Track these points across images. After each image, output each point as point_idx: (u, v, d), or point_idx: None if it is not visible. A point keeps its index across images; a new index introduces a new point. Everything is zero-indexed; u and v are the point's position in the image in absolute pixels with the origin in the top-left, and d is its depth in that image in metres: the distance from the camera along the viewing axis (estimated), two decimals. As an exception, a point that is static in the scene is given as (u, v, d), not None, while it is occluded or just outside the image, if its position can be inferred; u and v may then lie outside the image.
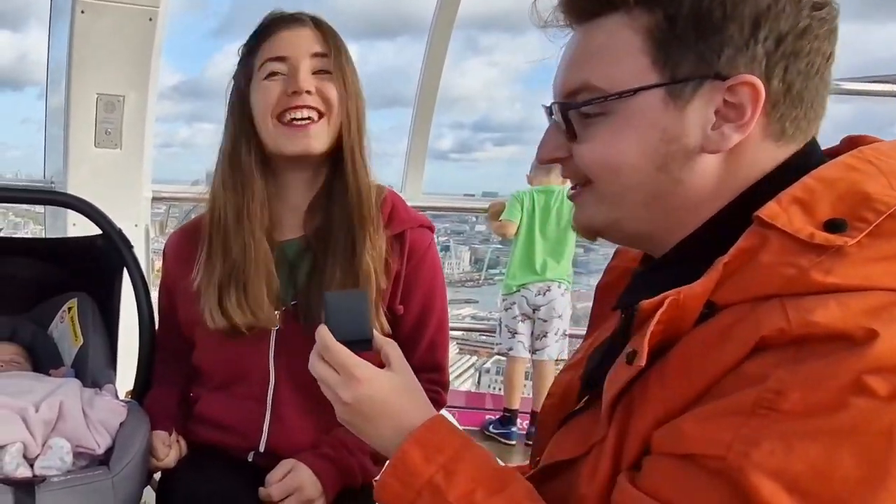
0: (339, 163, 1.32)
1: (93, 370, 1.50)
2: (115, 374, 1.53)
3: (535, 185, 3.89)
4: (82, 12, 2.73)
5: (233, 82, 1.35)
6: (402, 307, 1.36)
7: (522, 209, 3.85)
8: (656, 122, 0.70)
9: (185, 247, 1.41)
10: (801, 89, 0.69)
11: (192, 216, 1.53)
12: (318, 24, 1.31)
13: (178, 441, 1.37)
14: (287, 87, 1.27)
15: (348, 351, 0.85)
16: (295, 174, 1.35)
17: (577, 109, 0.73)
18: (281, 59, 1.27)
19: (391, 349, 0.89)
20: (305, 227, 1.36)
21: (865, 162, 0.67)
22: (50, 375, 1.48)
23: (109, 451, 1.26)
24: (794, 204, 0.65)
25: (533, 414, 3.97)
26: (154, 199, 3.30)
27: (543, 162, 0.80)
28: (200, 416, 1.42)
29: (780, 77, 0.68)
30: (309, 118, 1.27)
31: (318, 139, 1.29)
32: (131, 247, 1.53)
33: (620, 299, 0.83)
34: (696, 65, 0.68)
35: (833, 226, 0.63)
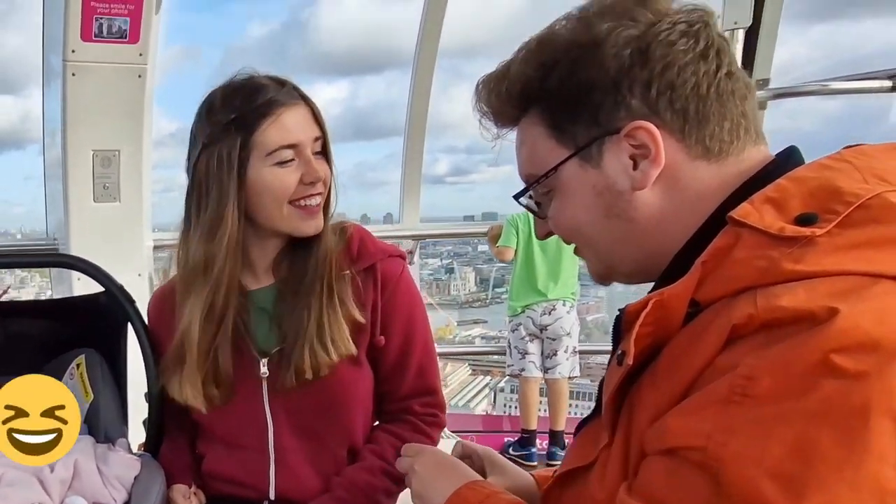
0: None
1: (105, 425, 1.50)
2: (128, 428, 1.54)
3: (531, 205, 3.94)
4: (73, 74, 2.78)
5: (208, 147, 1.28)
6: (382, 338, 1.38)
7: (518, 233, 3.90)
8: (584, 183, 0.81)
9: (163, 310, 1.44)
10: (699, 111, 0.76)
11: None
12: (308, 102, 1.31)
13: (195, 494, 1.38)
14: (303, 176, 1.28)
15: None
16: (271, 238, 1.37)
17: (534, 193, 0.88)
18: (292, 146, 1.27)
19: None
20: (275, 276, 1.39)
21: (842, 161, 0.70)
22: (63, 434, 1.50)
23: (126, 505, 1.26)
24: (767, 203, 0.69)
25: (552, 433, 3.97)
26: (156, 248, 3.33)
27: (542, 238, 0.93)
28: (208, 473, 1.43)
29: (669, 109, 0.76)
30: (319, 202, 1.32)
31: (322, 217, 1.34)
32: (133, 301, 1.54)
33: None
34: (587, 131, 0.79)
35: (804, 219, 0.66)
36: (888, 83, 2.04)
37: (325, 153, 1.33)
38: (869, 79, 2.11)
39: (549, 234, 0.90)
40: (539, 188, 0.86)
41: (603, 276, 0.88)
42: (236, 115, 1.26)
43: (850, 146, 0.74)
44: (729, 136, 0.77)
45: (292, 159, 1.27)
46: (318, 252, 1.34)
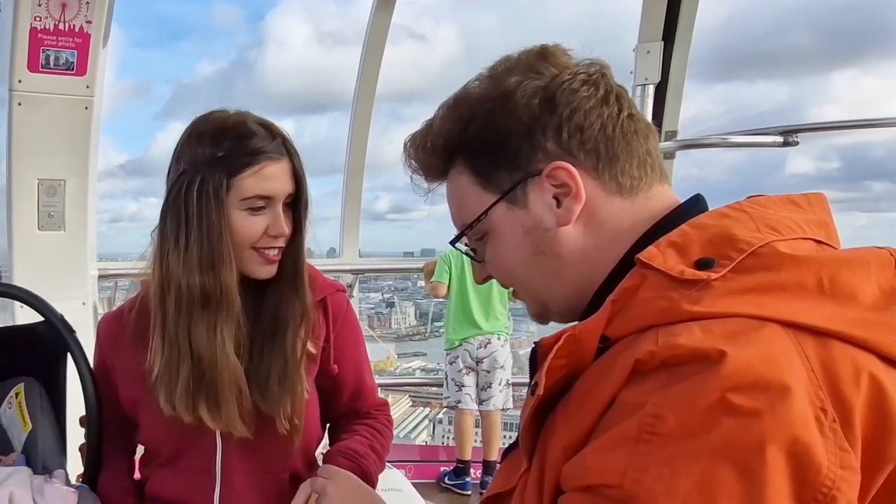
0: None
1: (43, 455, 1.49)
2: (66, 458, 1.54)
3: (464, 242, 4.09)
4: (19, 104, 2.79)
5: (189, 174, 1.30)
6: (336, 367, 1.45)
7: (450, 269, 4.03)
8: (514, 223, 0.85)
9: (122, 328, 1.44)
10: (609, 150, 0.82)
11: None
12: (292, 158, 1.34)
13: None
14: (268, 228, 1.32)
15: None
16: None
17: (469, 240, 0.92)
18: (266, 197, 1.31)
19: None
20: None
21: (739, 211, 0.76)
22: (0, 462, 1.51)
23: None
24: (670, 247, 0.74)
25: (485, 463, 4.05)
26: (101, 277, 3.33)
27: (480, 282, 0.97)
28: (152, 496, 1.45)
29: (581, 150, 0.81)
30: (278, 252, 1.36)
31: (276, 265, 1.37)
32: (73, 331, 1.53)
33: None
34: (510, 175, 0.84)
35: (702, 263, 0.71)
36: (780, 139, 2.27)
37: (296, 206, 1.37)
38: (763, 134, 2.33)
39: (488, 278, 0.94)
40: (473, 234, 0.90)
41: (539, 314, 0.92)
42: (223, 154, 1.29)
43: (751, 196, 0.79)
44: (638, 171, 0.82)
45: (263, 208, 1.31)
46: (288, 302, 1.38)
